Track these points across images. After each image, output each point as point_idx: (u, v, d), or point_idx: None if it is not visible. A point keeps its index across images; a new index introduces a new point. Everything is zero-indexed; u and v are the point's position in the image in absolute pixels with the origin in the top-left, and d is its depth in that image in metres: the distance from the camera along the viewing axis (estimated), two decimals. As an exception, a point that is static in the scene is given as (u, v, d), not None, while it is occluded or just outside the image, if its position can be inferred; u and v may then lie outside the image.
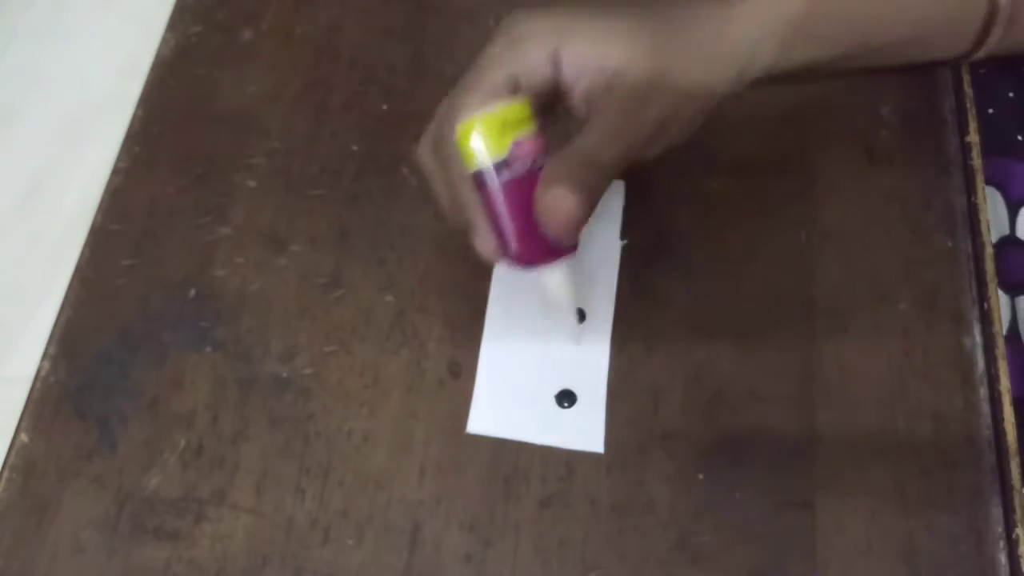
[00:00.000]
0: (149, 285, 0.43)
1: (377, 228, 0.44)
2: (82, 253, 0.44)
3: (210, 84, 0.48)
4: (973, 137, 0.44)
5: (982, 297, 0.41)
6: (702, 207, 0.43)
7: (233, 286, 0.43)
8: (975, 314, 0.41)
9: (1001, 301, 0.43)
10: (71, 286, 0.43)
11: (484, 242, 0.34)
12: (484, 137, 0.33)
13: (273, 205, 0.45)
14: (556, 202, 0.32)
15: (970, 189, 0.43)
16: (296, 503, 0.38)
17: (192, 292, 0.43)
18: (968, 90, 0.47)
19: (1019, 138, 0.48)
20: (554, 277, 0.35)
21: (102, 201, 0.45)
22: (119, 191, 0.46)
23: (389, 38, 0.49)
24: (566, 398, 0.39)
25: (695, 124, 0.36)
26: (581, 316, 0.41)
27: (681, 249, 0.43)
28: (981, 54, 0.40)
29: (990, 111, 0.48)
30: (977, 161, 0.44)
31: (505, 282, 0.42)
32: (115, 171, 0.46)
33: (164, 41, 0.50)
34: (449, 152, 0.34)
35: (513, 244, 0.34)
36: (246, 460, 0.39)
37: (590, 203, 0.33)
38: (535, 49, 0.34)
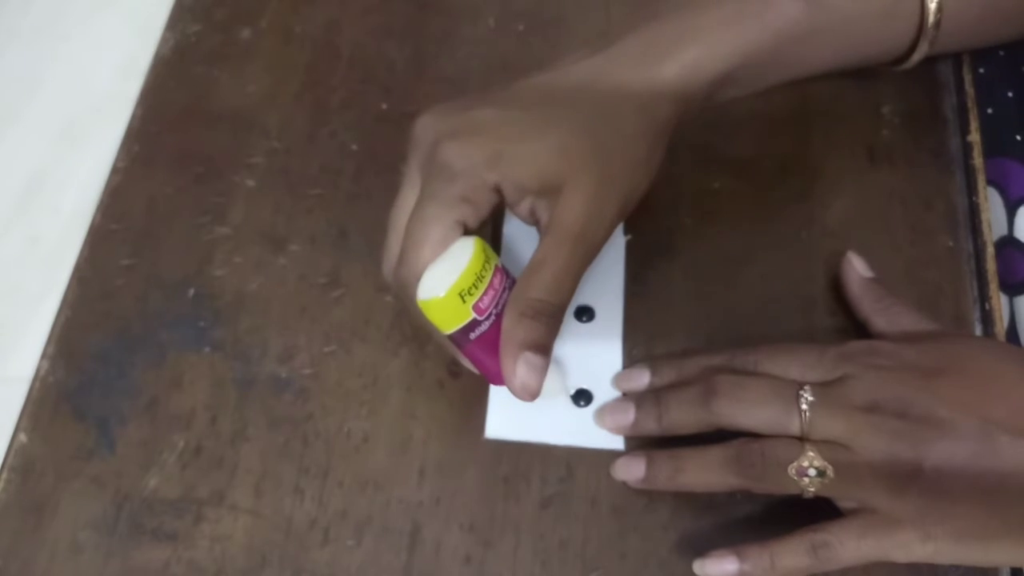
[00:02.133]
0: (148, 285, 0.43)
1: (377, 228, 0.43)
2: (81, 253, 0.44)
3: (209, 83, 0.48)
4: (974, 137, 0.44)
5: (983, 297, 0.41)
6: (703, 207, 0.43)
7: (232, 286, 0.43)
8: (976, 314, 0.41)
9: (1000, 301, 0.43)
10: (70, 286, 0.43)
11: (467, 367, 0.36)
12: (445, 313, 0.33)
13: (272, 204, 0.45)
14: (521, 379, 0.32)
15: (971, 189, 0.43)
16: (295, 504, 0.38)
17: (191, 292, 0.43)
18: (969, 90, 0.47)
19: (1018, 138, 0.48)
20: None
21: (101, 201, 0.45)
22: (118, 191, 0.46)
23: (389, 37, 0.49)
24: (582, 397, 0.39)
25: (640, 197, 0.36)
26: (590, 315, 0.41)
27: (682, 249, 0.43)
28: (911, 63, 0.42)
29: (989, 111, 0.48)
30: (978, 161, 0.44)
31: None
32: (114, 171, 0.46)
33: (163, 40, 0.50)
34: (414, 298, 0.33)
35: (493, 380, 0.35)
36: (245, 460, 0.39)
37: (551, 343, 0.33)
38: (477, 189, 0.33)
